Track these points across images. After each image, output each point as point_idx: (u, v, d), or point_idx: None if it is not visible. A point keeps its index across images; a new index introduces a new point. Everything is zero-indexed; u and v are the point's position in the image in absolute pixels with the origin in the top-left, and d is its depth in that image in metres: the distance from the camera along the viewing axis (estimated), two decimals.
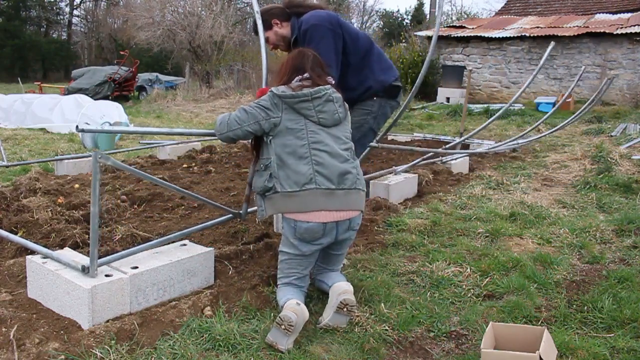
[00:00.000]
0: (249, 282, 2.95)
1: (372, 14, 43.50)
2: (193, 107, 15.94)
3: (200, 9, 21.00)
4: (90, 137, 7.58)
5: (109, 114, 10.27)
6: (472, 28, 17.09)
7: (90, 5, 42.94)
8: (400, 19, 38.72)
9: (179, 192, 3.02)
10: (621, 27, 14.50)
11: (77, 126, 2.30)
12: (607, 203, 4.88)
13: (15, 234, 3.62)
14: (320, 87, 2.64)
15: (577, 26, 15.44)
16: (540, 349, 2.13)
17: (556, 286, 3.09)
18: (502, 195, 5.19)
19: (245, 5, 31.41)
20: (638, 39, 14.10)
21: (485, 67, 16.31)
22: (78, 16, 42.77)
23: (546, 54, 5.50)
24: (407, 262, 3.39)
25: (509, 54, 15.89)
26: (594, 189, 5.39)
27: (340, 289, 2.57)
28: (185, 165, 6.53)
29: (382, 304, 2.75)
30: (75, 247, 3.36)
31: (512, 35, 15.63)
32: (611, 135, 9.34)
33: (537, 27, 15.99)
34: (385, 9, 54.78)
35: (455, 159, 6.36)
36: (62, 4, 40.80)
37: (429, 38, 17.20)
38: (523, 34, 15.44)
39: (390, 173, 5.18)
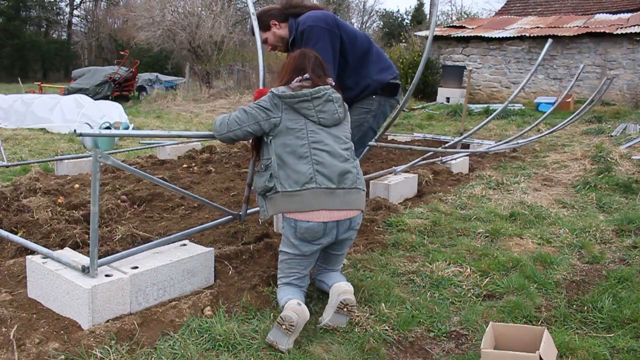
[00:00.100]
0: (249, 282, 2.95)
1: (372, 14, 43.54)
2: (193, 107, 15.94)
3: (200, 9, 21.01)
4: (90, 137, 7.58)
5: (109, 114, 10.29)
6: (472, 28, 17.09)
7: (90, 5, 42.99)
8: (400, 19, 38.75)
9: (179, 193, 3.02)
10: (621, 27, 14.51)
11: (75, 130, 2.29)
12: (607, 203, 4.88)
13: (15, 234, 3.62)
14: (320, 87, 2.65)
15: (577, 26, 15.44)
16: (540, 349, 2.13)
17: (556, 286, 3.09)
18: (502, 195, 5.19)
19: (245, 5, 31.40)
20: (638, 39, 14.10)
21: (485, 67, 16.31)
22: (78, 16, 42.84)
23: (544, 51, 5.49)
24: (407, 262, 3.39)
25: (509, 54, 15.89)
26: (594, 189, 5.39)
27: (340, 289, 2.58)
28: (185, 165, 6.53)
29: (382, 304, 2.75)
30: (75, 247, 3.36)
31: (512, 35, 15.64)
32: (611, 135, 9.34)
33: (537, 27, 15.99)
34: (385, 9, 54.84)
35: (455, 158, 6.36)
36: (62, 4, 40.86)
37: None
38: (523, 34, 15.45)
39: (390, 173, 5.18)
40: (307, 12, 3.25)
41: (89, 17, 42.71)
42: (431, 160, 6.26)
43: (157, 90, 19.21)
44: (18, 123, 10.43)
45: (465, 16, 27.83)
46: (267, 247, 3.43)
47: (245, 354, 2.30)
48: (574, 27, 15.43)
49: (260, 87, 3.15)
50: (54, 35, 41.71)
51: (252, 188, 3.00)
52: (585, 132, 9.91)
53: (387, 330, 2.54)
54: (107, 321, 2.44)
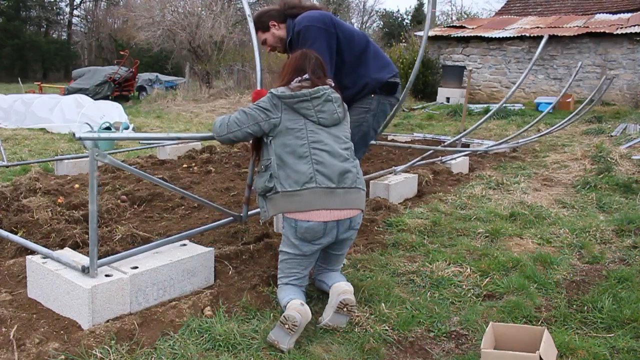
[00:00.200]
0: (249, 282, 2.95)
1: (372, 14, 43.55)
2: (193, 107, 15.94)
3: (200, 9, 21.01)
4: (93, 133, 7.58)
5: (109, 114, 10.30)
6: (472, 28, 17.09)
7: (90, 5, 43.00)
8: (400, 19, 38.75)
9: (179, 193, 3.02)
10: (621, 27, 14.51)
11: (74, 134, 2.30)
12: (607, 203, 4.88)
13: (15, 234, 3.62)
14: (319, 87, 2.65)
15: (577, 26, 15.45)
16: (540, 349, 2.13)
17: (556, 286, 3.09)
18: (502, 195, 5.19)
19: None
20: (638, 39, 14.10)
21: (485, 67, 16.31)
22: (78, 16, 42.85)
23: (540, 47, 5.52)
24: (407, 262, 3.39)
25: (509, 54, 15.89)
26: (594, 189, 5.39)
27: (340, 289, 2.58)
28: (185, 165, 6.53)
29: (382, 304, 2.75)
30: (75, 247, 3.36)
31: (512, 35, 15.64)
32: (611, 135, 9.34)
33: (537, 27, 16.00)
34: (385, 9, 54.84)
35: (454, 158, 6.36)
36: (62, 4, 40.87)
37: (429, 38, 17.21)
38: (523, 34, 15.45)
39: (390, 173, 5.18)
40: (304, 13, 3.24)
41: (89, 17, 42.72)
42: (431, 160, 6.26)
43: (157, 90, 19.21)
44: (18, 123, 10.43)
45: (465, 16, 27.84)
46: (267, 247, 3.44)
47: (245, 354, 2.30)
48: (574, 27, 15.43)
49: (258, 88, 3.15)
50: (54, 35, 41.72)
51: (253, 188, 3.00)
52: (585, 132, 9.91)
53: (387, 330, 2.54)
54: (107, 321, 2.44)
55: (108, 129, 8.20)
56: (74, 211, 4.17)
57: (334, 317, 2.53)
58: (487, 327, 2.39)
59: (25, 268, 2.78)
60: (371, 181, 4.85)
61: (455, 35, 16.47)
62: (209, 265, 2.93)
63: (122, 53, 21.06)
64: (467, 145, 7.94)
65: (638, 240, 3.84)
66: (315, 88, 2.64)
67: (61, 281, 2.49)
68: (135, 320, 2.45)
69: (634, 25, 14.43)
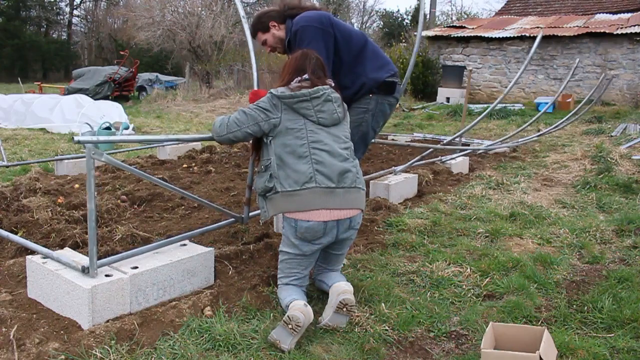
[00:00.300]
0: (249, 282, 2.95)
1: (372, 14, 43.54)
2: (193, 107, 15.94)
3: (200, 9, 21.01)
4: (90, 137, 7.58)
5: (109, 114, 10.30)
6: (472, 28, 17.10)
7: (90, 5, 42.99)
8: (400, 19, 38.74)
9: (179, 193, 3.02)
10: (621, 27, 14.51)
11: (72, 137, 2.31)
12: (607, 203, 4.88)
13: (15, 234, 3.62)
14: (319, 87, 2.65)
15: (577, 26, 15.45)
16: (540, 349, 2.13)
17: (556, 286, 3.09)
18: (502, 195, 5.19)
19: (246, 5, 31.42)
20: (638, 39, 14.11)
21: (485, 67, 16.31)
22: (78, 16, 42.84)
23: (536, 43, 5.57)
24: (407, 262, 3.39)
25: (509, 54, 15.90)
26: (594, 189, 5.39)
27: (340, 288, 2.58)
28: (185, 165, 6.53)
29: (382, 304, 2.75)
30: (75, 247, 3.36)
31: (512, 35, 15.64)
32: (611, 136, 9.34)
33: (537, 27, 15.99)
34: (385, 9, 54.84)
35: (453, 157, 6.37)
36: (62, 4, 40.86)
37: (429, 38, 17.23)
38: (523, 34, 15.46)
39: (390, 173, 5.18)
40: (302, 13, 3.25)
41: (89, 17, 42.72)
42: (431, 160, 6.26)
43: (157, 90, 19.20)
44: (18, 123, 10.43)
45: (465, 16, 27.85)
46: (267, 247, 3.44)
47: (245, 354, 2.30)
48: (574, 27, 15.43)
49: (255, 88, 3.15)
50: (54, 35, 41.72)
51: (253, 188, 3.00)
52: (585, 132, 9.91)
53: (387, 330, 2.54)
54: (107, 321, 2.44)
55: (108, 129, 8.21)
56: (74, 211, 4.17)
57: (333, 317, 2.53)
58: (487, 327, 2.39)
59: (25, 268, 2.78)
60: (371, 181, 4.85)
61: (455, 35, 16.47)
62: (209, 265, 2.93)
63: (122, 53, 21.06)
64: (467, 145, 7.94)
65: (638, 240, 3.84)
66: (315, 88, 2.64)
67: (61, 281, 2.50)
68: (135, 320, 2.45)
69: (634, 25, 14.43)
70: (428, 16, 24.49)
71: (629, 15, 16.29)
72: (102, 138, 2.39)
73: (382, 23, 41.10)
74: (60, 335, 2.34)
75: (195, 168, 6.40)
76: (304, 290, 2.65)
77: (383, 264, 3.33)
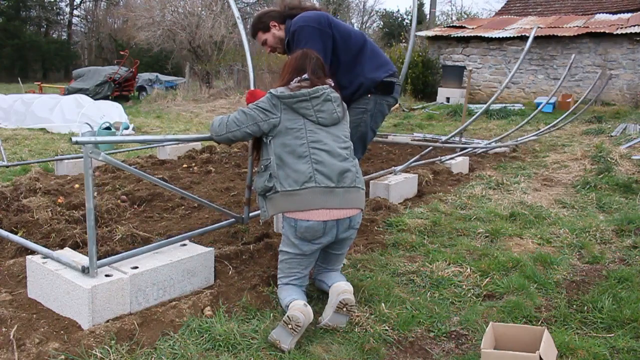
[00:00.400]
0: (249, 282, 2.95)
1: (372, 14, 43.53)
2: (193, 107, 15.94)
3: (200, 9, 21.01)
4: (90, 137, 7.58)
5: (109, 114, 10.31)
6: (472, 28, 17.10)
7: (90, 5, 42.99)
8: (400, 19, 38.72)
9: (179, 193, 3.02)
10: (621, 27, 14.51)
11: (70, 138, 2.32)
12: (607, 203, 4.88)
13: (15, 234, 3.62)
14: (318, 86, 2.65)
15: (577, 26, 15.45)
16: (540, 349, 2.13)
17: (556, 286, 3.09)
18: (502, 195, 5.19)
19: (246, 5, 31.45)
20: (638, 39, 14.10)
21: (485, 67, 16.31)
22: (78, 16, 42.83)
23: (530, 39, 5.55)
24: (407, 262, 3.39)
25: (509, 54, 15.89)
26: (594, 189, 5.39)
27: (340, 288, 2.58)
28: (185, 165, 6.52)
29: (382, 304, 2.75)
30: (75, 247, 3.36)
31: (512, 35, 15.64)
32: (611, 136, 9.34)
33: (537, 27, 15.99)
34: (385, 9, 54.80)
35: (453, 157, 6.37)
36: (62, 4, 40.85)
37: (429, 38, 17.23)
38: (523, 34, 15.45)
39: (390, 173, 5.18)
40: (301, 13, 3.25)
41: (89, 17, 42.72)
42: (430, 160, 6.26)
43: (157, 90, 19.19)
44: (18, 123, 10.43)
45: (465, 16, 27.86)
46: (267, 247, 3.44)
47: (245, 354, 2.30)
48: (574, 27, 15.43)
49: (252, 88, 3.15)
50: (54, 35, 41.70)
51: (252, 188, 3.00)
52: (585, 132, 9.91)
53: (387, 330, 2.54)
54: (107, 321, 2.44)
55: (108, 129, 8.22)
56: (74, 211, 4.17)
57: (333, 317, 2.53)
58: (487, 327, 2.39)
59: (25, 268, 2.78)
60: (371, 181, 4.85)
61: (455, 35, 16.47)
62: (209, 265, 2.93)
63: (122, 53, 21.06)
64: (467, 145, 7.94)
65: (638, 240, 3.84)
66: (315, 88, 2.64)
67: (61, 281, 2.50)
68: (135, 320, 2.45)
69: (634, 25, 14.43)
70: (428, 16, 24.51)
71: (629, 15, 16.29)
72: (100, 139, 2.40)
73: (382, 23, 41.09)
74: (60, 335, 2.34)
75: (195, 168, 6.40)
76: (303, 290, 2.65)
77: (383, 264, 3.33)
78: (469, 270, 3.23)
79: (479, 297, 2.94)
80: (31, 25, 38.73)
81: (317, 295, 2.84)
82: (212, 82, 20.89)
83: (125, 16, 28.22)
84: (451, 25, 19.20)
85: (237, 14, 3.48)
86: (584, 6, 18.55)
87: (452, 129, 10.81)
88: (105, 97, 16.32)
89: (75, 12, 42.08)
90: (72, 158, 5.99)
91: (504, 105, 13.98)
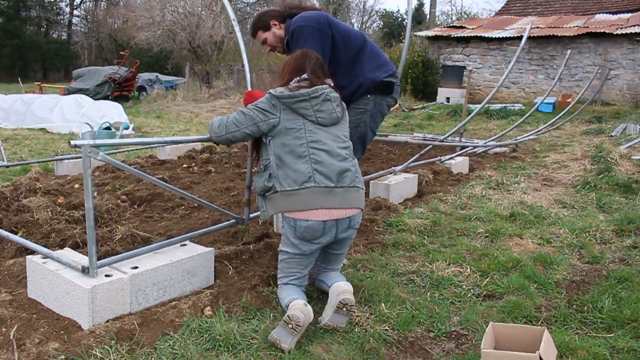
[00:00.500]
0: (249, 282, 2.95)
1: (372, 14, 43.54)
2: (193, 107, 15.94)
3: (200, 9, 21.01)
4: (90, 137, 7.57)
5: (109, 114, 10.31)
6: (472, 28, 17.10)
7: (90, 5, 43.01)
8: (400, 19, 38.72)
9: (178, 194, 3.02)
10: (621, 27, 14.51)
11: (69, 141, 2.33)
12: (607, 203, 4.88)
13: (15, 234, 3.62)
14: (318, 86, 2.65)
15: (577, 26, 15.45)
16: (540, 349, 2.13)
17: (556, 286, 3.09)
18: (502, 195, 5.19)
19: (245, 5, 31.45)
20: (638, 39, 14.10)
21: (485, 67, 16.31)
22: (78, 16, 42.85)
23: (526, 34, 5.57)
24: (407, 262, 3.39)
25: (509, 54, 15.89)
26: (594, 189, 5.39)
27: (340, 288, 2.58)
28: (185, 165, 6.53)
29: (382, 304, 2.75)
30: (75, 247, 3.36)
31: (512, 36, 15.64)
32: (611, 136, 9.34)
33: (537, 27, 15.99)
34: (385, 9, 54.81)
35: (452, 157, 6.37)
36: (62, 4, 40.87)
37: (429, 38, 17.23)
38: (523, 34, 15.43)
39: (390, 173, 5.18)
40: (301, 13, 3.25)
41: (89, 17, 42.73)
42: (430, 160, 6.26)
43: (157, 90, 19.20)
44: (18, 123, 10.43)
45: (465, 16, 27.86)
46: (267, 247, 3.44)
47: (245, 354, 2.30)
48: (574, 27, 15.43)
49: (249, 89, 3.15)
50: (54, 35, 41.71)
51: (252, 188, 3.00)
52: (585, 132, 9.91)
53: (387, 330, 2.54)
54: (107, 321, 2.44)
55: (108, 128, 8.22)
56: (74, 211, 4.17)
57: (333, 317, 2.53)
58: (487, 327, 2.39)
59: (25, 268, 2.78)
60: (371, 181, 4.85)
61: (455, 35, 16.47)
62: (209, 265, 2.93)
63: (122, 53, 21.06)
64: (465, 145, 7.94)
65: (638, 240, 3.84)
66: (314, 88, 2.64)
67: (61, 281, 2.50)
68: (135, 320, 2.45)
69: (634, 25, 14.42)
70: (428, 16, 24.51)
71: (629, 15, 16.29)
72: (99, 142, 2.40)
73: (382, 23, 41.10)
74: (60, 335, 2.34)
75: (195, 168, 6.40)
76: (303, 290, 2.65)
77: (383, 264, 3.33)
78: (469, 270, 3.23)
79: (479, 297, 2.94)
80: (31, 25, 38.74)
81: (317, 295, 2.84)
82: (212, 82, 20.89)
83: (125, 16, 28.22)
84: (451, 25, 19.20)
85: (232, 16, 3.48)
86: (584, 6, 18.56)
87: (452, 129, 10.80)
88: (105, 97, 16.33)
89: (75, 12, 42.15)
90: (72, 158, 5.99)
91: (504, 105, 13.98)
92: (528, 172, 6.39)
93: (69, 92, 16.31)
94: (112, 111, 10.59)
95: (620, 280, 3.13)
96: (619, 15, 16.51)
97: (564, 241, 3.86)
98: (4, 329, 2.37)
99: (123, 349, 2.26)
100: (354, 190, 2.61)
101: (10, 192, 4.62)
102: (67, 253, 2.78)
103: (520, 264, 3.33)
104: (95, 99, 12.21)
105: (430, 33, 17.41)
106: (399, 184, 4.89)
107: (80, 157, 5.96)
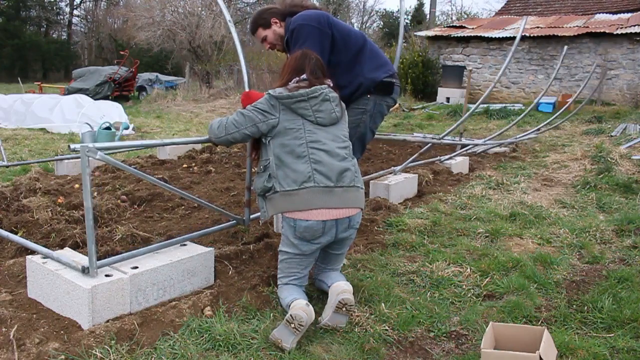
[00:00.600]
0: (249, 282, 2.95)
1: (372, 14, 43.55)
2: (193, 107, 15.94)
3: (200, 9, 21.00)
4: (90, 137, 7.58)
5: (109, 114, 10.31)
6: (472, 28, 17.10)
7: (90, 5, 43.00)
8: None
9: (178, 194, 3.02)
10: (621, 27, 14.51)
11: (69, 146, 2.34)
12: (607, 203, 4.88)
13: (15, 234, 3.62)
14: (316, 86, 2.65)
15: (577, 26, 15.45)
16: (540, 349, 2.13)
17: (556, 286, 3.09)
18: (502, 195, 5.19)
19: (245, 5, 31.44)
20: (638, 39, 14.10)
21: (485, 67, 16.31)
22: (78, 16, 42.85)
23: (521, 28, 5.59)
24: (407, 262, 3.39)
25: (509, 54, 15.89)
26: (594, 189, 5.39)
27: (339, 288, 2.58)
28: (185, 165, 6.52)
29: (382, 304, 2.75)
30: (75, 247, 3.36)
31: (512, 35, 15.63)
32: (611, 136, 9.34)
33: (537, 27, 16.00)
34: (385, 9, 54.75)
35: (452, 156, 6.37)
36: (62, 4, 40.88)
37: (429, 38, 17.23)
38: (523, 34, 15.43)
39: (390, 173, 5.18)
40: (301, 11, 3.24)
41: (89, 17, 42.73)
42: (430, 160, 6.26)
43: (157, 90, 19.20)
44: (18, 123, 10.43)
45: (465, 16, 27.86)
46: (267, 247, 3.43)
47: (245, 354, 2.30)
48: (574, 27, 15.43)
49: (246, 90, 3.15)
50: (54, 35, 41.71)
51: (252, 189, 3.00)
52: (585, 132, 9.91)
53: (387, 330, 2.54)
54: (107, 321, 2.44)
55: (108, 129, 8.20)
56: (74, 211, 4.17)
57: (333, 317, 2.53)
58: (487, 327, 2.39)
59: (25, 268, 2.78)
60: (371, 181, 4.85)
61: (455, 35, 16.47)
62: (209, 265, 2.93)
63: (122, 53, 21.06)
64: (465, 145, 7.94)
65: (638, 240, 3.84)
66: (313, 88, 2.64)
67: (61, 281, 2.50)
68: (135, 320, 2.45)
69: (634, 25, 14.42)
70: (428, 16, 24.53)
71: (629, 15, 16.29)
72: (98, 145, 2.41)
73: (382, 23, 41.10)
74: (60, 335, 2.34)
75: (195, 168, 6.40)
76: (303, 290, 2.65)
77: (383, 264, 3.33)
78: (469, 270, 3.23)
79: (479, 297, 2.94)
80: (31, 25, 38.73)
81: (317, 295, 2.84)
82: (212, 82, 20.89)
83: (125, 16, 28.22)
84: (451, 25, 19.20)
85: (228, 17, 3.48)
86: (584, 6, 18.55)
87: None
88: (105, 97, 16.32)
89: (75, 12, 42.15)
90: (72, 158, 5.98)
91: (504, 105, 13.98)
92: (528, 172, 6.39)
93: (69, 92, 16.30)
94: (112, 111, 10.59)
95: (620, 280, 3.13)
96: (619, 15, 16.51)
97: (564, 241, 3.86)
98: (4, 329, 2.37)
99: (123, 349, 2.26)
100: (354, 190, 2.61)
101: (10, 192, 4.62)
102: (67, 253, 2.78)
103: (520, 264, 3.33)
104: (95, 99, 12.21)
105: (430, 33, 17.41)
106: (399, 184, 4.89)
107: (80, 157, 5.96)
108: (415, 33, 18.92)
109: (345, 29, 3.33)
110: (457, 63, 16.40)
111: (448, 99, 15.10)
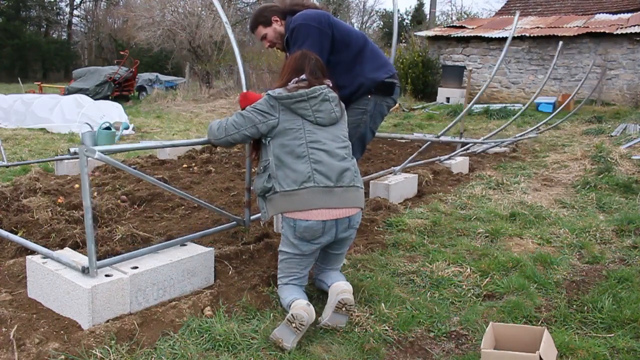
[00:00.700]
0: (249, 282, 2.95)
1: (372, 14, 43.55)
2: (193, 107, 15.94)
3: (200, 9, 21.01)
4: (90, 137, 7.59)
5: (109, 114, 10.31)
6: (472, 28, 17.10)
7: (90, 5, 43.02)
8: (400, 19, 38.66)
9: (178, 194, 3.02)
10: (621, 27, 14.51)
11: (69, 149, 2.34)
12: (607, 203, 4.88)
13: (15, 234, 3.62)
14: (316, 87, 2.65)
15: (577, 26, 15.45)
16: (540, 349, 2.13)
17: (556, 286, 3.09)
18: (502, 195, 5.19)
19: (245, 5, 31.44)
20: (638, 39, 14.11)
21: (485, 67, 16.32)
22: (78, 16, 42.86)
23: (515, 21, 5.61)
24: (407, 262, 3.39)
25: (509, 54, 15.90)
26: (594, 189, 5.39)
27: (339, 288, 2.58)
28: (185, 165, 6.52)
29: (382, 304, 2.75)
30: (75, 247, 3.36)
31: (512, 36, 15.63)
32: (611, 136, 9.34)
33: (537, 27, 16.00)
34: (385, 9, 54.72)
35: (452, 156, 6.37)
36: (62, 4, 40.89)
37: (429, 38, 17.23)
38: (523, 34, 15.45)
39: (390, 173, 5.18)
40: (302, 11, 3.24)
41: (89, 17, 42.74)
42: (430, 160, 6.26)
43: (157, 90, 19.20)
44: (18, 123, 10.43)
45: (465, 16, 27.86)
46: (267, 247, 3.44)
47: (245, 354, 2.30)
48: (574, 27, 15.44)
49: (244, 91, 3.15)
50: (54, 35, 41.72)
51: (252, 189, 3.00)
52: (585, 132, 9.91)
53: (387, 330, 2.54)
54: (107, 321, 2.44)
55: (108, 129, 8.21)
56: (74, 211, 4.17)
57: (333, 317, 2.53)
58: (487, 327, 2.39)
59: (25, 268, 2.78)
60: (371, 181, 4.85)
61: (455, 35, 16.48)
62: (209, 265, 2.93)
63: (122, 53, 21.06)
64: (465, 145, 7.94)
65: (638, 240, 3.84)
66: (312, 88, 2.64)
67: (61, 281, 2.50)
68: (135, 320, 2.45)
69: (634, 25, 14.43)
70: (428, 16, 24.53)
71: (629, 15, 16.29)
72: (98, 148, 2.41)
73: (382, 23, 41.09)
74: (60, 335, 2.34)
75: (195, 168, 6.40)
76: (304, 290, 2.65)
77: (383, 264, 3.33)
78: (469, 270, 3.23)
79: (479, 297, 2.94)
80: (31, 25, 38.74)
81: (317, 295, 2.84)
82: (212, 82, 20.89)
83: (125, 16, 28.23)
84: (451, 25, 19.21)
85: (224, 19, 3.48)
86: (584, 6, 18.56)
87: (451, 129, 10.80)
88: (105, 97, 16.32)
89: (75, 12, 42.16)
90: (72, 158, 5.98)
91: (504, 105, 13.98)
92: (528, 172, 6.39)
93: (69, 92, 16.30)
94: (112, 111, 10.59)
95: (620, 280, 3.13)
96: (619, 15, 16.51)
97: (564, 241, 3.86)
98: (4, 329, 2.37)
99: (123, 349, 2.26)
100: (354, 190, 2.61)
101: (10, 192, 4.62)
102: (67, 253, 2.78)
103: (520, 264, 3.33)
104: (95, 99, 12.21)
105: (430, 33, 17.41)
106: (399, 184, 4.89)
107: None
108: (415, 33, 18.93)
109: (346, 29, 3.33)
110: (457, 63, 16.41)
111: (448, 99, 15.10)
